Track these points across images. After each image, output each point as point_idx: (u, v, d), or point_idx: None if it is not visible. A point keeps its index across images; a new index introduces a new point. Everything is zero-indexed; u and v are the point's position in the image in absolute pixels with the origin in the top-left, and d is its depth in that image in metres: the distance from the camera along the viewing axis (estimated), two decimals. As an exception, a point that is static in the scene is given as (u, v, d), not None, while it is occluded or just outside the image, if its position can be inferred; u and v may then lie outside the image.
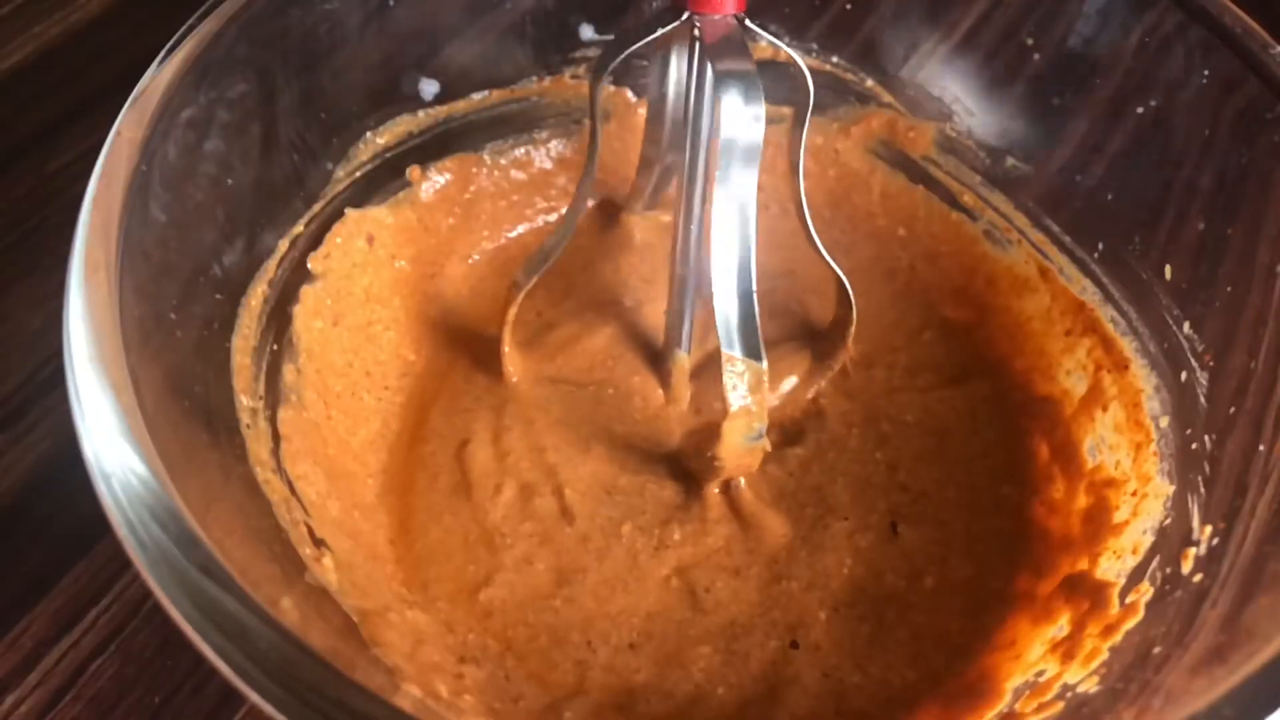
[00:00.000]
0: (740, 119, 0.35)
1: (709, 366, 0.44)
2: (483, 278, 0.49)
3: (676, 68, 0.42)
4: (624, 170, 0.50)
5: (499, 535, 0.41)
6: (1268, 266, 0.38)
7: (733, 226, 0.37)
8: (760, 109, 0.35)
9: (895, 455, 0.44)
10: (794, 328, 0.47)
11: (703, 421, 0.44)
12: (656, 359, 0.46)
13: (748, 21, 0.37)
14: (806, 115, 0.40)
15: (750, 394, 0.39)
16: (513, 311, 0.43)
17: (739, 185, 0.37)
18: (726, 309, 0.38)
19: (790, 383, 0.46)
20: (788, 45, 0.40)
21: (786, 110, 0.45)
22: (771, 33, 0.49)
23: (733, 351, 0.38)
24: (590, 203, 0.48)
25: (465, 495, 0.42)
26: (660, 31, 0.37)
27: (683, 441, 0.44)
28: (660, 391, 0.45)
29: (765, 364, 0.39)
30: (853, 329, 0.44)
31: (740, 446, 0.40)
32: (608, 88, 0.49)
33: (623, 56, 0.38)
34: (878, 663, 0.39)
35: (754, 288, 0.38)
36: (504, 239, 0.50)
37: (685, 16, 0.37)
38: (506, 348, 0.45)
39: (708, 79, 0.37)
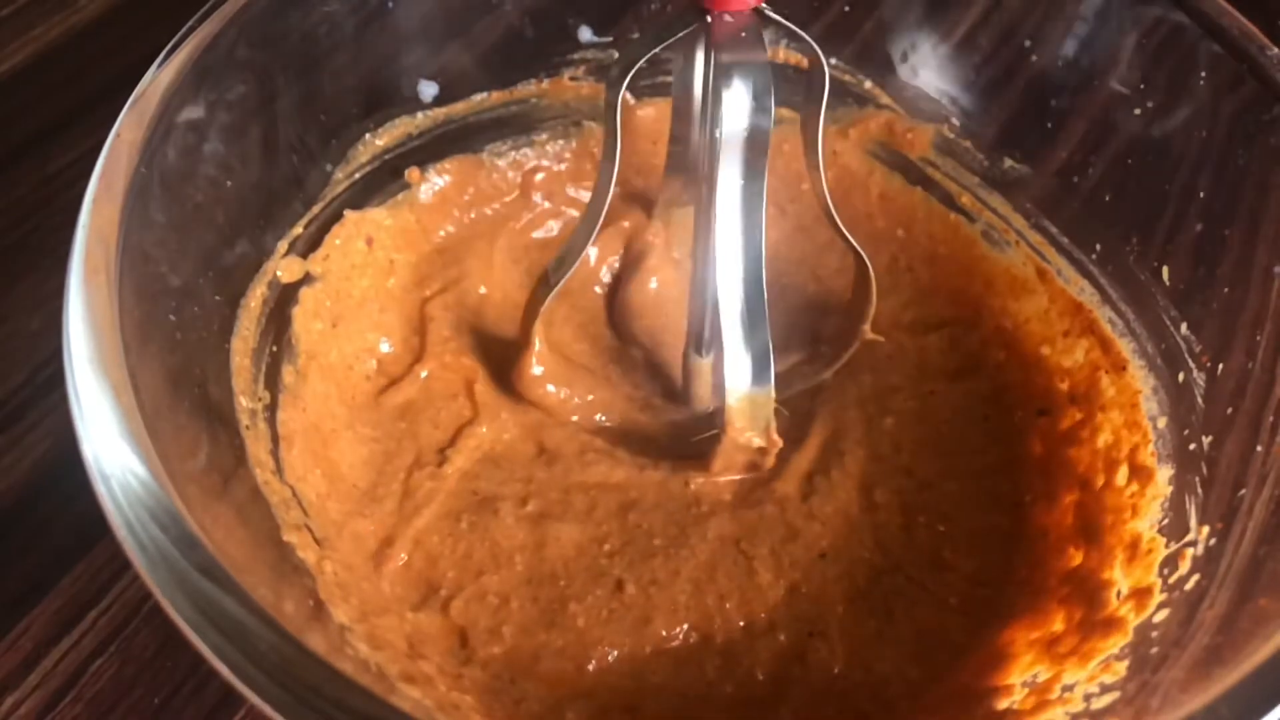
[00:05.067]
0: (747, 110, 0.35)
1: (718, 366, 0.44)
2: (483, 279, 0.49)
3: (701, 64, 0.41)
4: (624, 173, 0.50)
5: (506, 539, 0.41)
6: (1265, 267, 0.38)
7: (741, 222, 0.37)
8: (769, 100, 0.35)
9: (899, 439, 0.45)
10: (804, 317, 0.48)
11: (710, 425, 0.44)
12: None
13: (765, 9, 0.37)
14: (823, 100, 0.39)
15: (753, 394, 0.39)
16: (543, 308, 0.43)
17: (747, 180, 0.36)
18: (732, 308, 0.38)
19: (799, 371, 0.46)
20: (797, 30, 0.39)
21: (788, 112, 0.45)
22: (770, 36, 0.49)
23: (738, 350, 0.38)
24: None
25: (468, 506, 0.42)
26: (682, 34, 0.37)
27: (696, 446, 0.44)
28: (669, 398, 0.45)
29: (772, 362, 0.39)
30: (872, 310, 0.44)
31: (744, 446, 0.40)
32: (606, 89, 0.49)
33: (644, 60, 0.37)
34: (882, 661, 0.39)
35: (763, 286, 0.38)
36: (504, 240, 0.50)
37: (706, 15, 0.37)
38: (537, 345, 0.44)
39: (698, 71, 0.38)
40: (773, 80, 0.36)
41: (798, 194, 0.50)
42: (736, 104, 0.36)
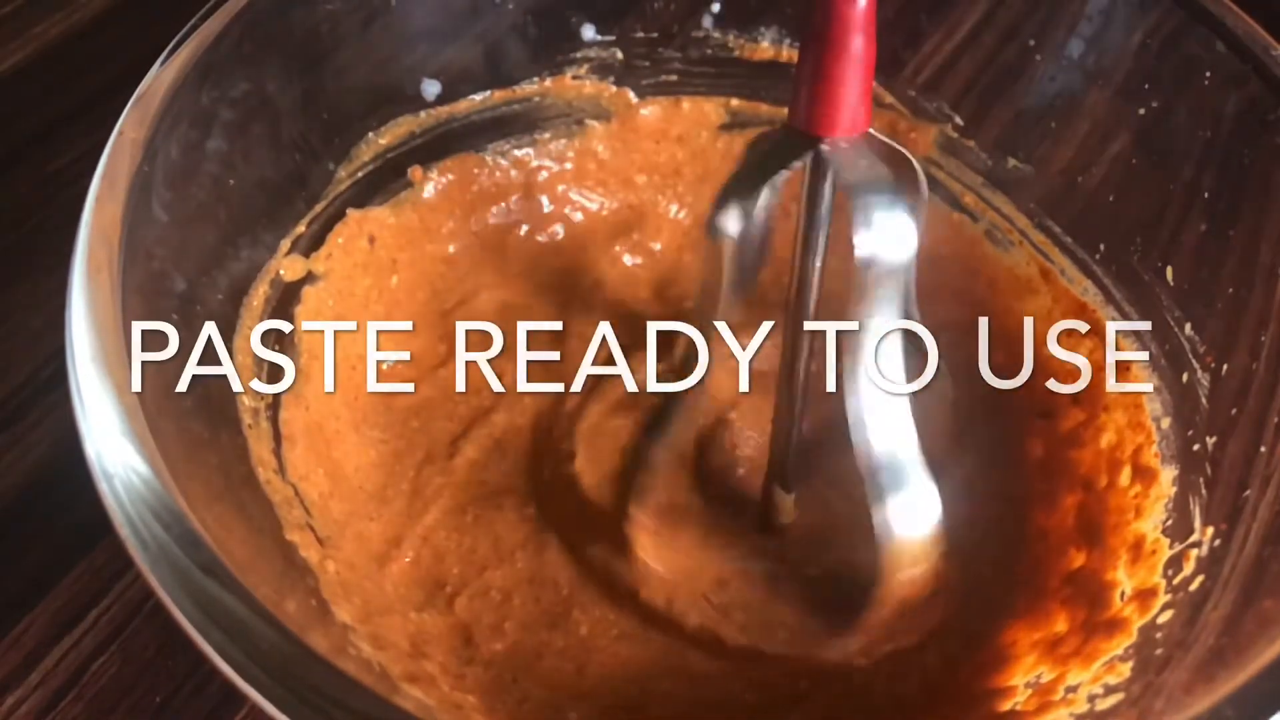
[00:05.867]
0: (885, 235, 0.33)
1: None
2: (485, 279, 0.49)
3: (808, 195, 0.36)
4: (627, 173, 0.50)
5: (508, 540, 0.41)
6: (1269, 268, 0.38)
7: (879, 362, 0.34)
8: (909, 226, 0.33)
9: None
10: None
11: None
12: None
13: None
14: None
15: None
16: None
17: (882, 313, 0.34)
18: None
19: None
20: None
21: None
22: (773, 35, 0.49)
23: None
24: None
25: (474, 498, 0.42)
26: (797, 164, 0.33)
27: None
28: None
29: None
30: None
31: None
32: (609, 88, 0.49)
33: (760, 195, 0.34)
34: (890, 664, 0.39)
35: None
36: (505, 241, 0.49)
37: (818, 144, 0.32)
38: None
39: (824, 199, 0.34)
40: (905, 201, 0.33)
41: None
42: (875, 228, 0.32)
